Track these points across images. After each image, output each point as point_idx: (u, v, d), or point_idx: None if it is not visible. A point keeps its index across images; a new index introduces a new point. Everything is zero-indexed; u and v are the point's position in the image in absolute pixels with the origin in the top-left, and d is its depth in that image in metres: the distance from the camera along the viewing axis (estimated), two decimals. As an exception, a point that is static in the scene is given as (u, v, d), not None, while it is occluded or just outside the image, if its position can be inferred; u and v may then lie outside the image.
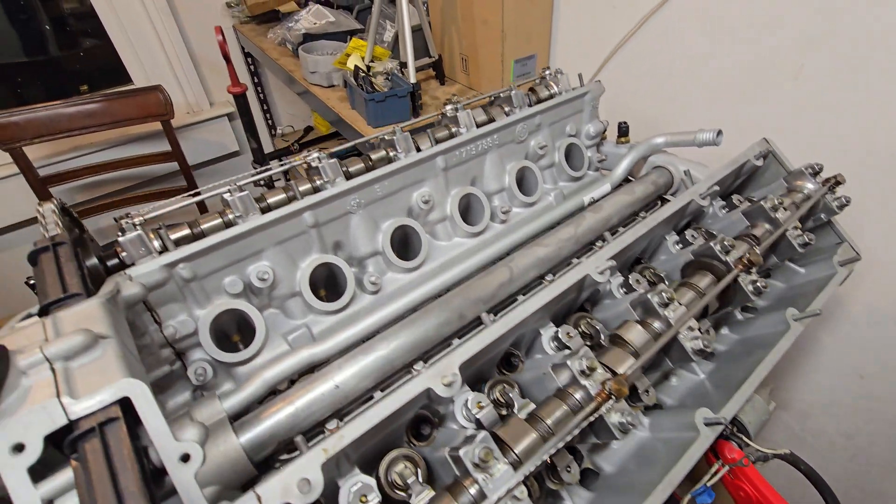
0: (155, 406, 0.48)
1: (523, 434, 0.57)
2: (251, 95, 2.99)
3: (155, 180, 2.75)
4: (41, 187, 2.13)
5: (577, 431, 0.55)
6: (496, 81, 1.97)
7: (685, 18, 1.55)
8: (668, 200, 1.25)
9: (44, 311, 0.55)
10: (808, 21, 1.28)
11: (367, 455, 0.65)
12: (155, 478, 0.49)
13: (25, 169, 2.06)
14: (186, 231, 0.82)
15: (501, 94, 1.20)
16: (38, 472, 0.44)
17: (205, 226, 0.84)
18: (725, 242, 0.81)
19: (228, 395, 0.74)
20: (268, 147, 3.22)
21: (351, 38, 2.08)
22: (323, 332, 0.92)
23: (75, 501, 0.43)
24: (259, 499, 0.49)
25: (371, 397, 0.82)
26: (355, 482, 0.57)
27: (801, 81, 1.35)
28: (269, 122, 3.27)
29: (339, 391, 0.75)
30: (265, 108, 3.20)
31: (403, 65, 1.87)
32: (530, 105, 1.20)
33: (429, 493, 0.55)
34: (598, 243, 1.11)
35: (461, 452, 0.53)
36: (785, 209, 0.89)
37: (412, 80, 1.78)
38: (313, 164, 0.93)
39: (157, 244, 0.78)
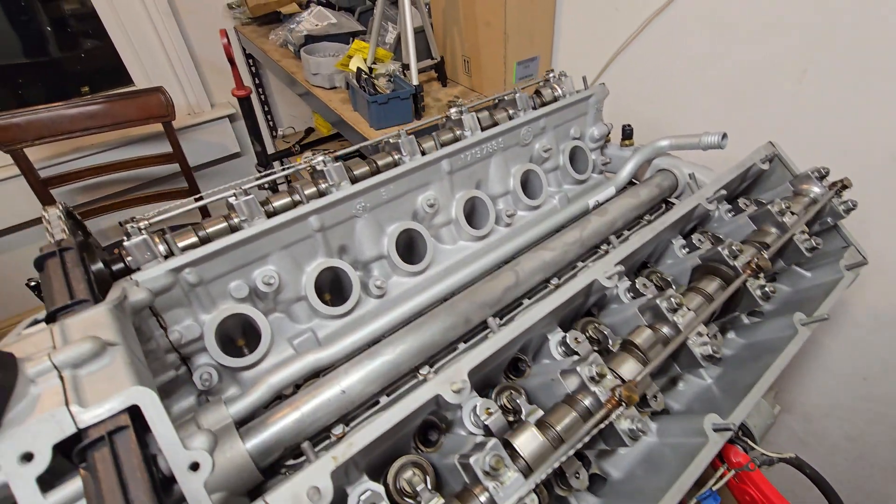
0: (164, 414, 0.47)
1: (534, 441, 0.56)
2: (252, 97, 2.99)
3: (156, 181, 2.75)
4: (42, 189, 2.12)
5: (587, 439, 0.55)
6: (498, 83, 1.97)
7: (688, 21, 1.55)
8: (673, 203, 1.25)
9: (51, 318, 0.55)
10: (811, 24, 1.28)
11: (375, 462, 0.65)
12: (164, 486, 0.48)
13: (26, 170, 2.05)
14: (192, 235, 0.82)
15: (506, 97, 1.20)
16: (47, 482, 0.43)
17: (210, 230, 0.84)
18: (734, 247, 0.80)
19: (234, 401, 0.74)
20: (269, 148, 3.22)
21: (353, 40, 2.07)
22: (328, 336, 0.92)
23: (84, 511, 0.43)
24: (269, 508, 0.48)
25: (377, 402, 0.82)
26: (364, 490, 0.57)
27: (805, 84, 1.35)
28: (270, 123, 3.27)
29: (346, 396, 0.75)
30: (266, 109, 3.20)
31: (406, 67, 1.86)
32: (535, 108, 1.20)
33: (438, 501, 0.55)
34: (604, 247, 1.11)
35: (471, 460, 0.53)
36: (792, 213, 0.89)
37: (415, 81, 1.78)
38: (318, 168, 0.92)
39: (162, 248, 0.78)
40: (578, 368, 0.62)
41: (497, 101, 1.21)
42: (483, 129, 1.10)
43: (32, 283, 0.71)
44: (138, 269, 0.76)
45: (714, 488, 0.77)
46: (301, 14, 2.40)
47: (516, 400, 0.65)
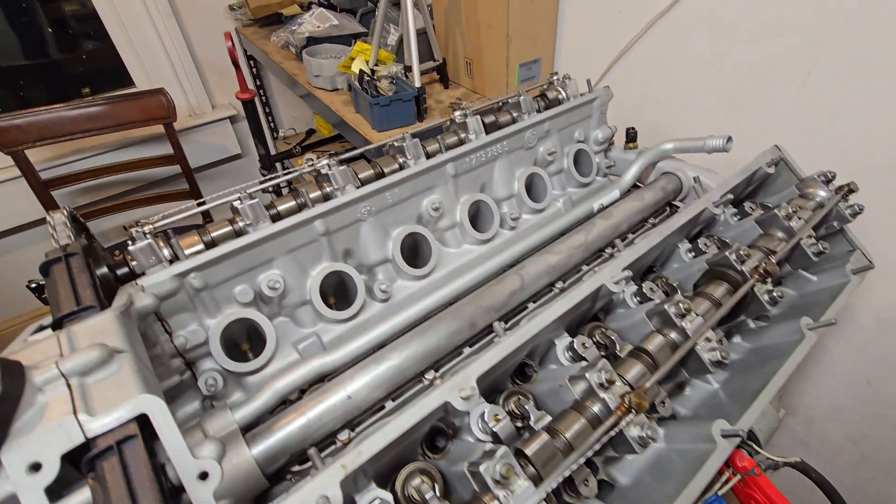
0: (173, 423, 0.47)
1: (545, 450, 0.56)
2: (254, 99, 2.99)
3: (157, 183, 2.75)
4: (43, 190, 2.12)
5: (598, 446, 0.55)
6: (500, 85, 1.96)
7: (691, 23, 1.54)
8: (677, 206, 1.24)
9: (57, 325, 0.55)
10: (814, 26, 1.28)
11: (382, 469, 0.64)
12: (172, 495, 0.48)
13: (27, 172, 2.05)
14: (197, 239, 0.81)
15: (510, 100, 1.20)
16: (55, 491, 0.43)
17: (215, 234, 0.83)
18: (741, 252, 0.80)
19: (239, 406, 0.73)
20: (270, 150, 3.22)
21: (355, 42, 2.07)
22: (333, 340, 0.91)
23: (93, 522, 0.43)
24: (278, 517, 0.48)
25: (382, 407, 0.81)
26: (373, 498, 0.56)
27: (809, 87, 1.35)
28: (271, 124, 3.27)
29: (352, 402, 0.75)
30: (267, 110, 3.20)
31: (408, 68, 1.86)
32: (539, 111, 1.20)
33: (447, 509, 0.55)
34: (608, 250, 1.10)
35: (481, 468, 0.52)
36: (799, 218, 0.88)
37: (417, 84, 1.77)
38: (323, 171, 0.92)
39: (166, 253, 0.77)
40: (587, 375, 0.62)
41: (501, 104, 1.21)
42: (487, 133, 1.10)
43: (33, 285, 0.71)
44: (143, 273, 0.75)
45: (720, 493, 0.76)
46: (303, 16, 2.39)
47: (525, 406, 0.65)
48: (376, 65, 1.92)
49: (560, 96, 1.24)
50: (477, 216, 1.13)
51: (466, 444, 0.67)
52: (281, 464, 0.70)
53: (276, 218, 0.87)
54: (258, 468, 0.65)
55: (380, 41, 1.94)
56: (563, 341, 0.77)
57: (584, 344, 0.72)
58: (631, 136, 1.32)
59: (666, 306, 0.71)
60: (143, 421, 0.47)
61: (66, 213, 0.73)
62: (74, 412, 0.45)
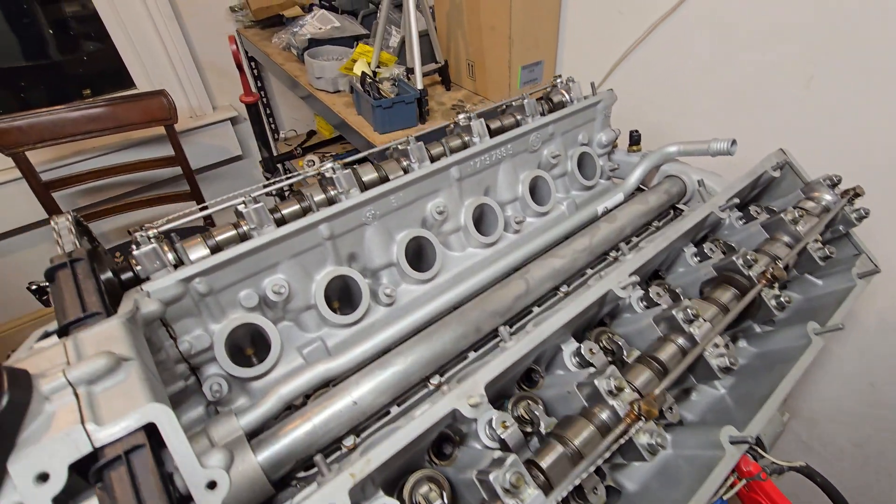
0: (181, 432, 0.46)
1: (555, 459, 0.55)
2: (256, 100, 2.99)
3: (158, 184, 2.74)
4: (44, 192, 2.11)
5: (608, 454, 0.54)
6: (503, 87, 1.96)
7: (694, 26, 1.54)
8: (681, 209, 1.24)
9: (63, 332, 0.54)
10: (818, 29, 1.28)
11: (389, 476, 0.64)
12: (180, 505, 0.48)
13: (28, 173, 2.04)
14: (201, 244, 0.81)
15: (513, 103, 1.19)
16: (63, 502, 0.42)
17: (219, 238, 0.83)
18: (748, 256, 0.80)
19: (244, 412, 0.73)
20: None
21: (357, 44, 2.07)
22: (338, 345, 0.91)
23: (101, 532, 0.42)
24: (287, 527, 0.47)
25: (388, 412, 0.81)
26: (380, 506, 0.56)
27: (812, 90, 1.35)
28: (272, 126, 3.26)
29: (357, 407, 0.74)
30: (268, 111, 3.20)
31: (410, 70, 1.86)
32: (543, 114, 1.20)
33: (456, 517, 0.54)
34: (613, 253, 1.10)
35: (491, 477, 0.52)
36: (805, 222, 0.88)
37: (419, 86, 1.77)
38: (327, 175, 0.92)
39: (171, 257, 0.77)
40: (596, 382, 0.62)
41: (504, 106, 1.21)
42: (492, 136, 1.10)
43: (34, 287, 0.70)
44: (147, 278, 0.75)
45: (725, 498, 0.76)
46: (304, 17, 2.39)
47: (534, 411, 0.64)
48: (378, 67, 1.92)
49: (564, 99, 1.24)
50: (481, 220, 1.13)
51: (474, 451, 0.66)
52: (286, 470, 0.70)
53: (280, 222, 0.87)
54: (264, 475, 0.65)
55: (382, 43, 1.94)
56: (569, 347, 0.76)
57: (591, 350, 0.72)
58: (634, 138, 1.32)
59: (674, 312, 0.71)
60: (150, 430, 0.47)
61: (70, 217, 0.72)
62: (82, 421, 0.44)
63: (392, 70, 1.89)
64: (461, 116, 1.08)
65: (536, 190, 1.20)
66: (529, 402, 0.69)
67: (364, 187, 0.94)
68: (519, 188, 1.15)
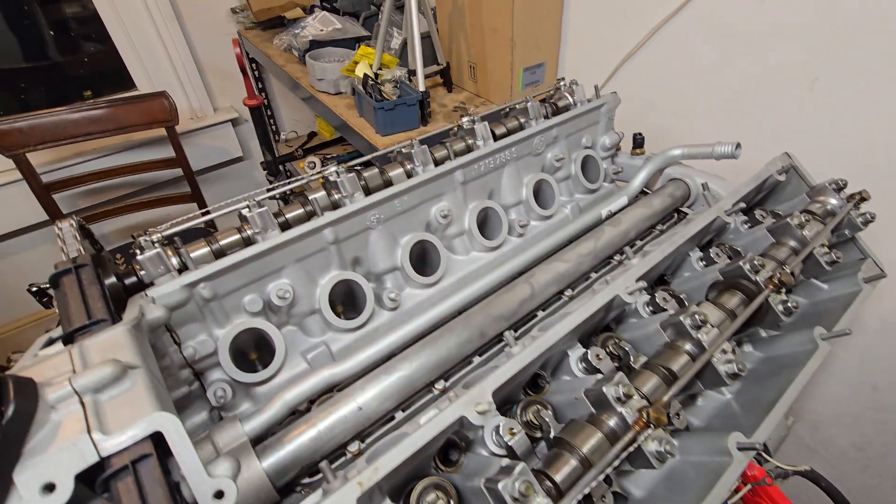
0: (188, 441, 0.46)
1: (565, 467, 0.55)
2: (258, 103, 2.98)
3: (158, 186, 2.73)
4: (44, 193, 2.11)
5: (616, 462, 0.54)
6: (505, 89, 1.96)
7: (697, 29, 1.54)
8: (685, 213, 1.24)
9: (68, 339, 0.54)
10: (821, 32, 1.28)
11: (396, 483, 0.63)
12: (187, 514, 0.47)
13: (28, 175, 2.04)
14: (205, 248, 0.80)
15: (517, 106, 1.19)
16: (69, 512, 0.42)
17: (223, 242, 0.82)
18: (755, 261, 0.79)
19: (248, 418, 0.73)
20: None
21: (358, 46, 2.06)
22: (342, 349, 0.90)
23: (108, 543, 0.42)
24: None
25: (393, 417, 0.80)
26: (388, 514, 0.55)
27: (816, 92, 1.34)
28: (273, 127, 3.25)
29: (362, 413, 0.74)
30: (269, 113, 3.19)
31: (412, 72, 1.85)
32: (546, 117, 1.19)
33: (463, 526, 0.54)
34: (617, 257, 1.10)
35: (500, 486, 0.52)
36: (811, 227, 0.88)
37: (421, 88, 1.76)
38: (331, 179, 0.91)
39: (175, 262, 0.77)
40: (605, 389, 0.61)
41: (508, 109, 1.21)
42: (495, 139, 1.09)
43: (34, 289, 0.69)
44: (151, 283, 0.74)
45: (730, 502, 0.76)
46: (305, 19, 2.38)
47: (544, 417, 0.64)
48: (380, 68, 1.91)
49: (567, 102, 1.24)
50: (485, 223, 1.12)
51: (480, 458, 0.66)
52: (291, 476, 0.69)
53: (284, 226, 0.86)
54: (269, 482, 0.64)
55: (383, 45, 1.93)
56: (576, 352, 0.76)
57: (598, 355, 0.71)
58: (638, 141, 1.32)
59: (681, 318, 0.71)
60: (156, 438, 0.46)
61: (74, 222, 0.72)
62: (88, 431, 0.44)
63: (394, 72, 1.89)
64: (465, 119, 1.08)
65: (540, 193, 1.19)
66: (539, 407, 0.69)
67: (368, 191, 0.94)
68: (523, 191, 1.15)
